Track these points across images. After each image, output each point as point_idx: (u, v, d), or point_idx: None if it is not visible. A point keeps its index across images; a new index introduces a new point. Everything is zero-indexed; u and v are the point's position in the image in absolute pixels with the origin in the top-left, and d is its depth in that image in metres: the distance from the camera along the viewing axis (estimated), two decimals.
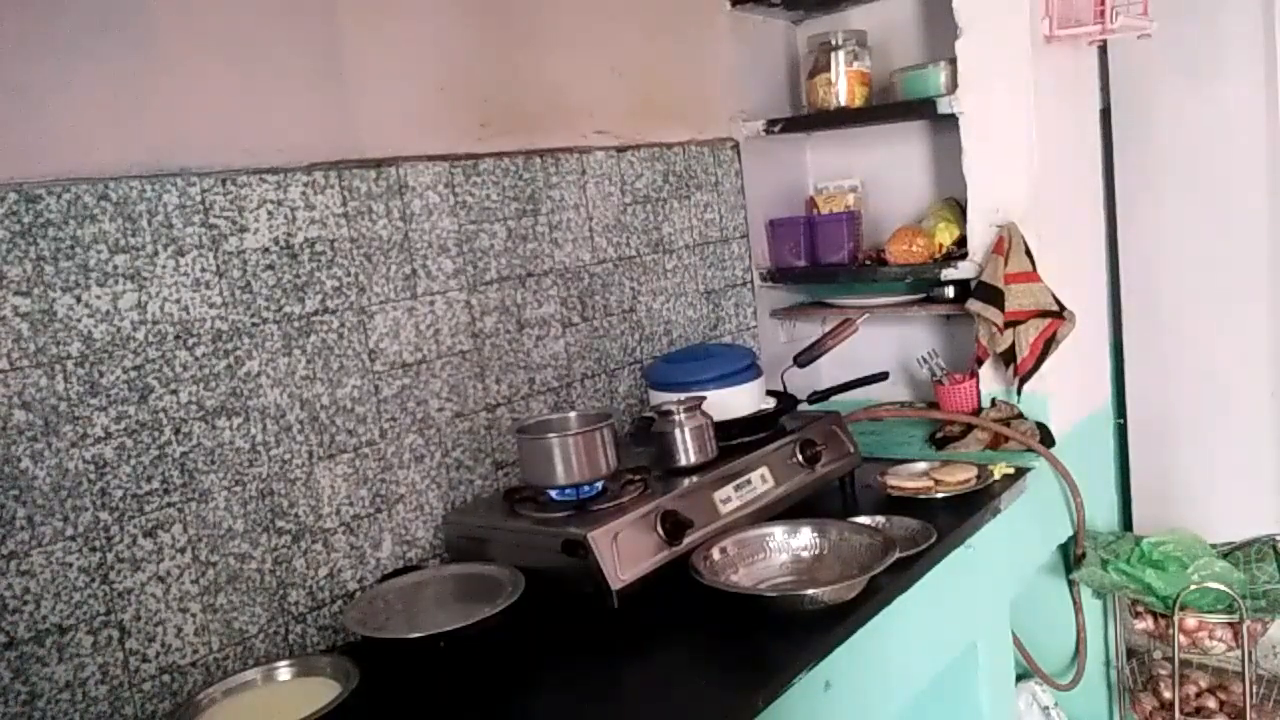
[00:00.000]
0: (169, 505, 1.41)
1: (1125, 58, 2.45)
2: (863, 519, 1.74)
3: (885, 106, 2.39)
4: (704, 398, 1.80)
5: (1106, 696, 2.53)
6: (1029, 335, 2.12)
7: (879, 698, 1.57)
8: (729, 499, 1.69)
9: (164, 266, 1.40)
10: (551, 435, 1.65)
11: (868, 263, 2.44)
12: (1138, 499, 2.66)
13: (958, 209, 2.35)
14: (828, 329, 2.10)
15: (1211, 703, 2.28)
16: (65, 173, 1.31)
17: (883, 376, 2.18)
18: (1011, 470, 1.98)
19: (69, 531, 1.31)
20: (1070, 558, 2.29)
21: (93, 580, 1.33)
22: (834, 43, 2.39)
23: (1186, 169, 2.44)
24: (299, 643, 1.56)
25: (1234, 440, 2.49)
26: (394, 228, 1.69)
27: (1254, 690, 2.21)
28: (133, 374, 1.37)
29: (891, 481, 1.91)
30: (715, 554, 1.58)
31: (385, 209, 1.68)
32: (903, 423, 2.43)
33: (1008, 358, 2.15)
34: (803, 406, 2.01)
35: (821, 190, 2.65)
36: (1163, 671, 2.35)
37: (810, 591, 1.46)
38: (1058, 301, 2.13)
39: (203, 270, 1.45)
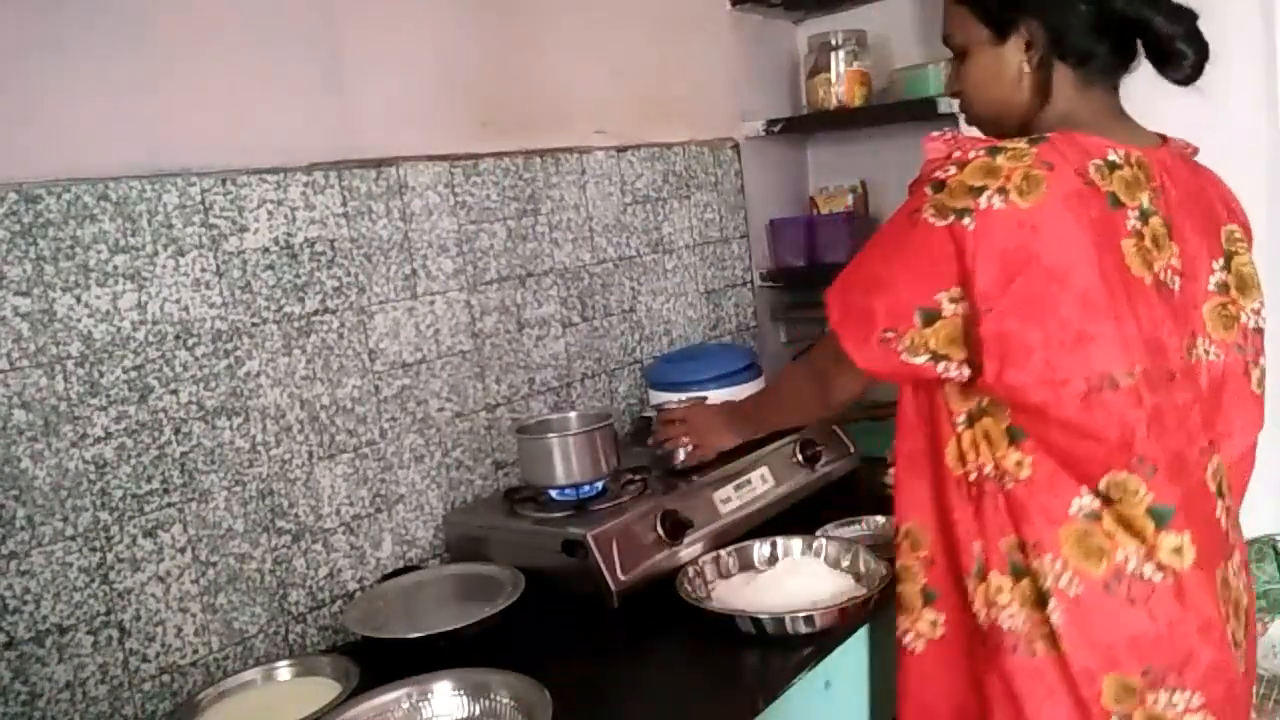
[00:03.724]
0: (169, 505, 1.41)
1: None
2: (863, 519, 1.74)
3: (885, 106, 2.39)
4: (705, 397, 1.80)
5: None
6: None
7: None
8: (729, 499, 1.69)
9: (164, 266, 1.40)
10: (551, 435, 1.65)
11: None
12: None
13: None
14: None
15: None
16: (65, 173, 1.31)
17: None
18: None
19: (69, 531, 1.31)
20: None
21: (93, 580, 1.33)
22: (834, 43, 2.39)
23: None
24: (299, 643, 1.56)
25: None
26: (394, 228, 1.69)
27: (1254, 690, 2.21)
28: (133, 374, 1.37)
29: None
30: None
31: (385, 209, 1.68)
32: None
33: None
34: None
35: (821, 190, 2.65)
36: None
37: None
38: None
39: (203, 270, 1.45)
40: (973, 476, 1.18)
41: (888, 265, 1.16)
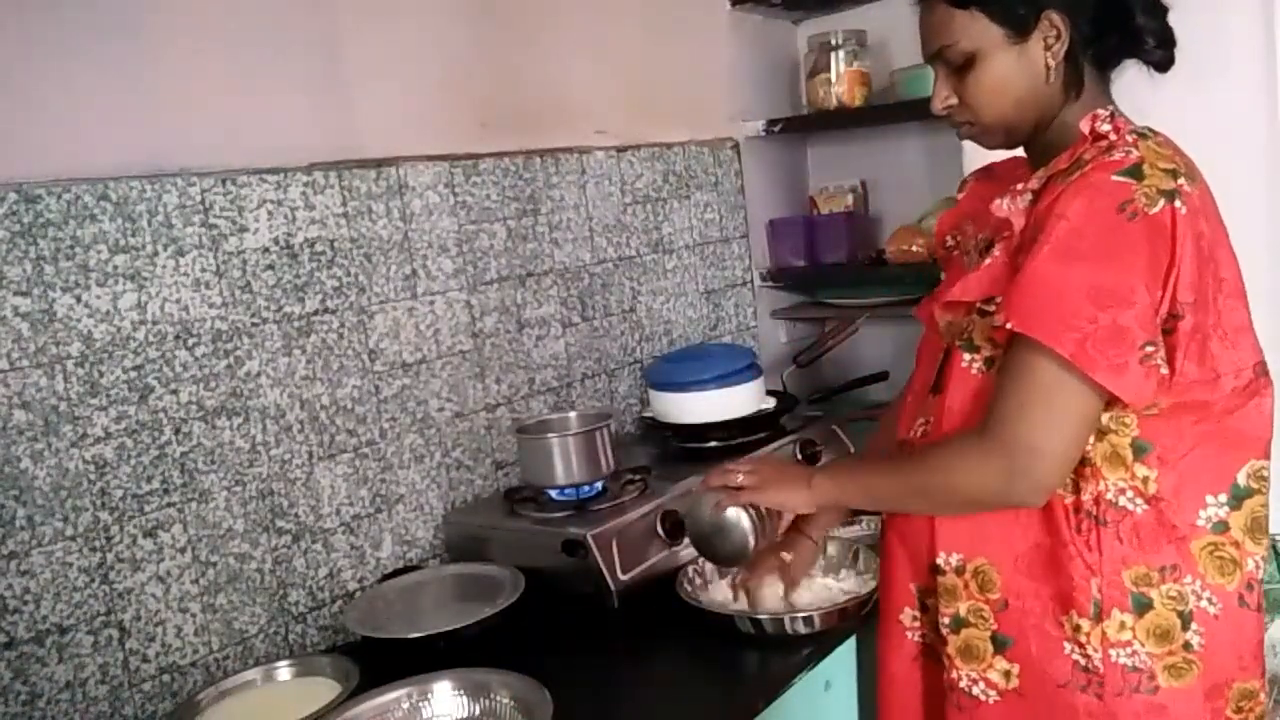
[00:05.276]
0: (169, 505, 1.41)
1: None
2: (862, 519, 1.74)
3: (885, 106, 2.39)
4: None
5: None
6: None
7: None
8: None
9: (164, 266, 1.40)
10: (551, 435, 1.65)
11: (868, 263, 2.44)
12: None
13: None
14: (828, 329, 2.10)
15: None
16: (65, 173, 1.31)
17: (883, 376, 2.18)
18: None
19: (69, 531, 1.31)
20: None
21: (93, 580, 1.33)
22: (834, 43, 2.39)
23: None
24: (299, 643, 1.56)
25: None
26: (394, 228, 1.69)
27: None
28: (133, 374, 1.37)
29: None
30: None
31: (385, 209, 1.68)
32: None
33: None
34: (803, 407, 2.01)
35: (821, 190, 2.65)
36: None
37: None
38: None
39: (203, 270, 1.45)
40: (1089, 504, 1.08)
41: (1120, 271, 1.00)
